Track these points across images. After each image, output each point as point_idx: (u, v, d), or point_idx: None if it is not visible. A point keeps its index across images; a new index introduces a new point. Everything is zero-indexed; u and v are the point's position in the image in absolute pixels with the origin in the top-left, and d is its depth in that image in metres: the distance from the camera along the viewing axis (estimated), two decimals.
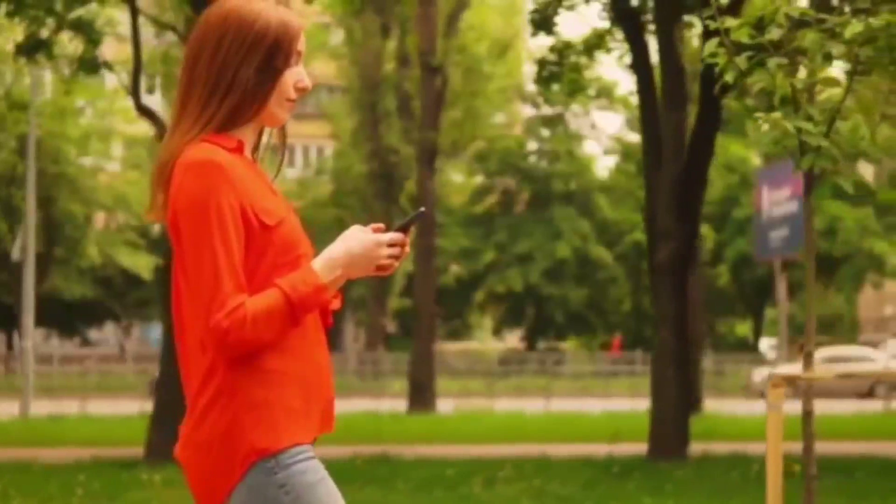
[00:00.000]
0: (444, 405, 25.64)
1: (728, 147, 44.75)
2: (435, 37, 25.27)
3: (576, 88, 17.62)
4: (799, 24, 6.08)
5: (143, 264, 41.28)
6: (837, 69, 6.18)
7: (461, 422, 21.76)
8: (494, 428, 20.09)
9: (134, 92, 15.36)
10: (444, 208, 48.34)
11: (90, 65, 15.58)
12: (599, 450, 15.05)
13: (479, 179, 50.58)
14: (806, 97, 5.95)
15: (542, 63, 16.94)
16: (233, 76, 2.71)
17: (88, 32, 15.40)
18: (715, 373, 42.26)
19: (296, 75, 2.78)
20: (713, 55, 6.37)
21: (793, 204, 39.69)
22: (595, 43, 17.11)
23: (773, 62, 5.85)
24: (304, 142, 56.83)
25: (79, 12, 15.75)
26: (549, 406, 26.72)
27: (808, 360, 6.03)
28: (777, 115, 5.62)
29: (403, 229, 2.81)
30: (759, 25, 6.21)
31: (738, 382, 38.92)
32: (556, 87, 17.80)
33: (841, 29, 5.72)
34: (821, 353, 37.83)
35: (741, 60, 6.20)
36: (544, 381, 34.32)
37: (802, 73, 6.11)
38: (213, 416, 2.64)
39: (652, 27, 15.05)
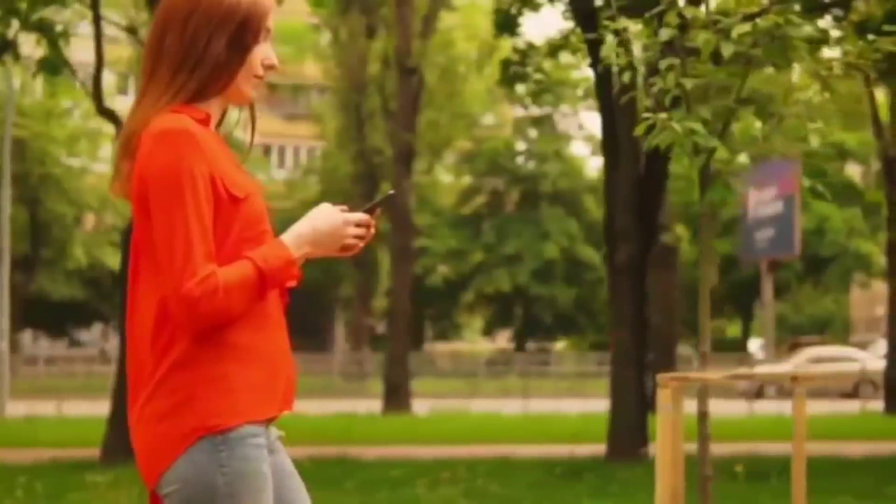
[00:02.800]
0: (423, 406, 25.65)
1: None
2: (411, 38, 25.25)
3: (540, 90, 17.60)
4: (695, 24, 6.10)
5: None
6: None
7: (435, 423, 21.75)
8: (467, 429, 20.08)
9: (96, 93, 15.38)
10: (432, 209, 48.35)
11: (51, 66, 15.61)
12: (564, 451, 15.07)
13: (467, 180, 50.61)
14: (700, 98, 5.97)
15: (506, 64, 16.93)
16: (203, 49, 2.71)
17: (49, 33, 15.43)
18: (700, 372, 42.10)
19: (263, 52, 2.79)
20: (609, 57, 6.41)
21: (778, 204, 39.73)
22: (560, 44, 17.10)
23: (664, 63, 5.87)
24: (294, 142, 56.87)
25: (42, 13, 15.80)
26: (527, 407, 26.72)
27: (703, 361, 6.03)
28: (663, 115, 5.63)
29: (370, 210, 2.81)
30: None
31: (724, 383, 38.83)
32: (524, 86, 17.75)
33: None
34: (805, 354, 37.90)
35: (637, 61, 6.23)
36: (528, 383, 34.32)
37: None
38: (167, 388, 2.63)
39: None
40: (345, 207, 2.79)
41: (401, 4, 25.40)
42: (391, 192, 3.00)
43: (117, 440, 13.92)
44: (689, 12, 5.87)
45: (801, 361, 36.98)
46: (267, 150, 56.44)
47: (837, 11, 16.87)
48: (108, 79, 46.14)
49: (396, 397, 24.64)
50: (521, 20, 16.80)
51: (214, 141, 2.73)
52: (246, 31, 2.74)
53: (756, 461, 13.53)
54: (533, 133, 50.23)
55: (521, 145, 51.06)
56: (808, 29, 5.63)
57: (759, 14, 5.75)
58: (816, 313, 55.65)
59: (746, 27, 5.62)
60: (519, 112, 50.27)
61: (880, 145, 25.55)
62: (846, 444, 17.08)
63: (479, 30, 42.66)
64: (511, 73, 16.85)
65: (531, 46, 16.77)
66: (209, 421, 2.61)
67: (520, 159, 50.52)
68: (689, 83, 5.77)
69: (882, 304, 64.50)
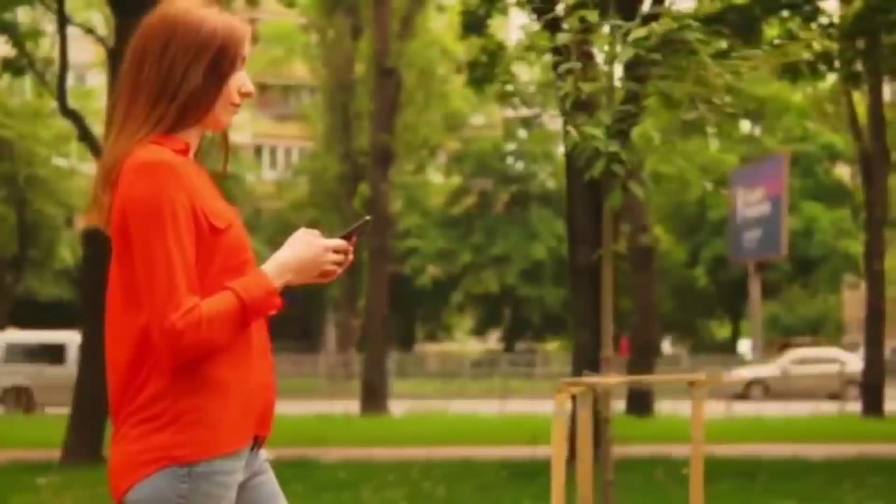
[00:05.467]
0: (403, 407, 25.63)
1: (704, 148, 44.75)
2: (389, 39, 25.22)
3: (507, 92, 17.48)
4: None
5: None
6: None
7: (409, 425, 21.72)
8: (440, 431, 20.04)
9: (60, 95, 15.41)
10: (421, 210, 48.31)
11: (16, 66, 15.69)
12: (529, 452, 15.03)
13: (456, 181, 50.54)
14: (604, 102, 5.97)
15: (473, 65, 16.87)
16: (180, 80, 2.71)
17: (14, 34, 15.50)
18: (689, 373, 42.13)
19: (240, 80, 2.79)
20: (520, 59, 6.42)
21: (765, 206, 39.69)
22: (528, 45, 17.02)
23: (564, 67, 5.87)
24: (285, 143, 56.84)
25: (10, 13, 15.88)
26: (506, 408, 26.68)
27: (606, 366, 6.02)
28: (559, 120, 5.63)
29: (347, 237, 2.83)
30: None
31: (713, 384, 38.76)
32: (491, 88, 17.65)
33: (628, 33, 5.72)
34: (790, 355, 37.85)
35: (543, 65, 6.23)
36: (512, 383, 34.29)
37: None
38: (143, 415, 2.66)
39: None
40: (317, 233, 2.80)
41: (378, 5, 25.36)
42: (367, 217, 3.00)
43: (77, 442, 13.93)
44: (590, 17, 5.87)
45: (785, 363, 36.96)
46: (258, 151, 56.44)
47: (806, 12, 16.83)
48: (101, 79, 46.27)
49: (374, 398, 24.60)
50: (489, 21, 16.76)
51: (194, 171, 2.74)
52: (223, 60, 2.74)
53: (714, 463, 13.51)
54: (522, 134, 50.18)
55: (510, 146, 51.00)
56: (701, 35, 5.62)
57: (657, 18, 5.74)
58: (810, 314, 55.62)
59: (643, 31, 5.62)
60: (509, 113, 50.21)
61: (859, 147, 25.53)
62: (815, 446, 17.07)
63: None
64: (479, 75, 16.79)
65: (500, 46, 16.72)
66: (176, 451, 2.64)
67: (509, 160, 50.48)
68: (586, 87, 5.77)
69: None
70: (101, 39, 15.29)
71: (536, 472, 12.61)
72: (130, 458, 2.66)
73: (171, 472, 2.64)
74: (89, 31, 16.29)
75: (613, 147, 5.72)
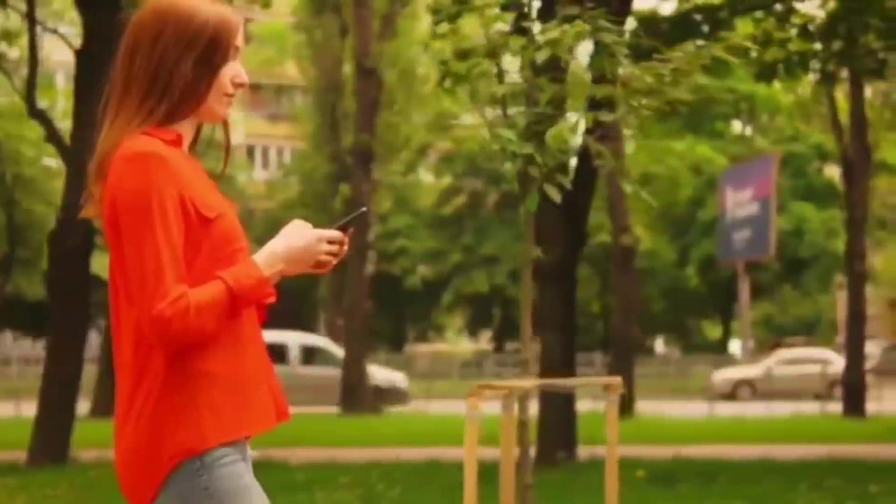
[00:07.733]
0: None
1: (695, 148, 44.73)
2: (370, 39, 25.20)
3: (477, 91, 17.44)
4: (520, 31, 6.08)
5: (105, 266, 41.04)
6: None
7: (387, 425, 21.71)
8: (415, 431, 20.02)
9: (29, 96, 15.41)
10: (411, 210, 48.27)
11: None
12: (496, 453, 14.99)
13: (446, 181, 50.45)
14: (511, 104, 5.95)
15: (443, 65, 16.78)
16: (172, 71, 2.71)
17: None
18: (680, 374, 42.28)
19: (233, 70, 2.79)
20: (444, 62, 6.41)
21: (754, 206, 39.68)
22: (502, 45, 16.97)
23: (477, 69, 5.85)
24: (277, 143, 56.83)
25: None
26: (488, 408, 26.65)
27: (524, 368, 6.00)
28: (469, 122, 5.62)
29: (343, 227, 2.82)
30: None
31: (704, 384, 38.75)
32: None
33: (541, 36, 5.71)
34: (781, 355, 37.80)
35: (459, 66, 6.22)
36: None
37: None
38: (143, 417, 2.66)
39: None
40: (308, 225, 2.80)
41: (359, 6, 25.34)
42: (363, 208, 3.04)
43: (43, 444, 13.88)
44: (503, 20, 5.86)
45: (772, 363, 36.92)
46: (250, 151, 56.43)
47: (779, 12, 16.78)
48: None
49: (353, 398, 24.56)
50: (459, 21, 16.68)
51: (186, 162, 2.73)
52: (215, 51, 2.74)
53: (679, 464, 13.50)
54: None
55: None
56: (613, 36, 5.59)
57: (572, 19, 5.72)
58: (804, 314, 55.58)
59: (555, 32, 5.60)
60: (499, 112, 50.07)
61: (840, 147, 25.49)
62: (791, 447, 17.02)
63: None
64: (451, 77, 16.69)
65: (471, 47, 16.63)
66: (183, 445, 2.64)
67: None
68: (501, 89, 5.76)
69: (871, 304, 64.38)
70: (65, 40, 15.26)
71: (496, 473, 12.59)
72: (142, 467, 2.66)
73: (186, 469, 2.64)
74: (53, 31, 16.30)
75: (528, 149, 5.71)
